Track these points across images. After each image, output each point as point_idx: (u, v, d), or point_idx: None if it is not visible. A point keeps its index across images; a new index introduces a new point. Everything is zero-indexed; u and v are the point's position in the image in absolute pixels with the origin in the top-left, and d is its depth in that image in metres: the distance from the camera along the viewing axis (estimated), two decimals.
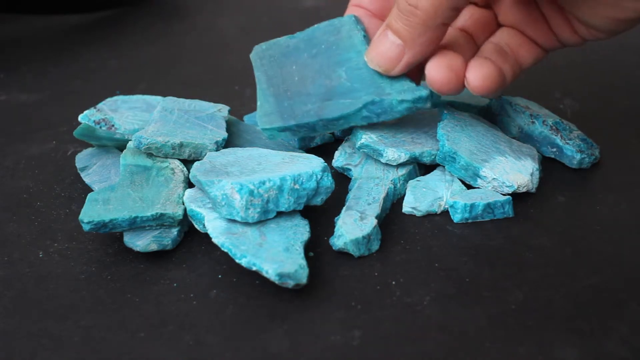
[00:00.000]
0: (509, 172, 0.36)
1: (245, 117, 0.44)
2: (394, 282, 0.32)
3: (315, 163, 0.34)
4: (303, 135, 0.38)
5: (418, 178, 0.38)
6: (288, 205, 0.33)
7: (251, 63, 0.40)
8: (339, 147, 0.40)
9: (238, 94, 0.49)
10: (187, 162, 0.38)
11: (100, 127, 0.39)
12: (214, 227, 0.33)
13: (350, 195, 0.36)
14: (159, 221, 0.34)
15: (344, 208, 0.35)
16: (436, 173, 0.38)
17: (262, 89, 0.39)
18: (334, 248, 0.34)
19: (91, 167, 0.39)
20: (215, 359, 0.29)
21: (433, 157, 0.38)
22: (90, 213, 0.33)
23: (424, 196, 0.36)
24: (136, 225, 0.34)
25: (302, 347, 0.29)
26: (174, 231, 0.34)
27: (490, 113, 0.42)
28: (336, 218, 0.35)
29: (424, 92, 0.36)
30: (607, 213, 0.36)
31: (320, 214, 0.36)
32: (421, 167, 0.39)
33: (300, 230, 0.33)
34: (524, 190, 0.36)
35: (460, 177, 0.37)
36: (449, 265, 0.33)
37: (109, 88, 0.49)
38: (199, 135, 0.38)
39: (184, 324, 0.30)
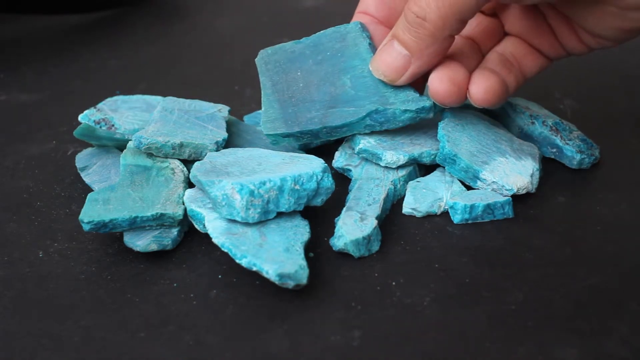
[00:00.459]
0: (509, 174, 0.36)
1: (245, 117, 0.44)
2: (394, 283, 0.32)
3: (315, 164, 0.34)
4: (306, 142, 0.38)
5: (418, 179, 0.38)
6: (288, 205, 0.33)
7: (252, 63, 0.40)
8: (339, 148, 0.40)
9: (238, 94, 0.49)
10: (187, 162, 0.38)
11: (100, 127, 0.39)
12: (214, 227, 0.33)
13: (351, 195, 0.36)
14: (159, 221, 0.34)
15: (344, 209, 0.35)
16: (436, 174, 0.38)
17: (266, 94, 0.39)
18: (334, 249, 0.34)
19: (91, 167, 0.39)
20: (215, 359, 0.29)
21: (433, 157, 0.38)
22: (90, 213, 0.33)
23: (424, 197, 0.36)
24: (136, 225, 0.34)
25: (302, 347, 0.29)
26: (174, 231, 0.34)
27: (491, 114, 0.42)
28: (336, 219, 0.35)
29: (427, 103, 0.37)
30: (607, 213, 0.36)
31: (320, 215, 0.36)
32: (421, 168, 0.39)
33: (301, 230, 0.33)
34: (524, 192, 0.36)
35: (460, 178, 0.37)
36: (449, 265, 0.33)
37: (109, 88, 0.49)
38: (199, 136, 0.38)
39: (184, 324, 0.30)
